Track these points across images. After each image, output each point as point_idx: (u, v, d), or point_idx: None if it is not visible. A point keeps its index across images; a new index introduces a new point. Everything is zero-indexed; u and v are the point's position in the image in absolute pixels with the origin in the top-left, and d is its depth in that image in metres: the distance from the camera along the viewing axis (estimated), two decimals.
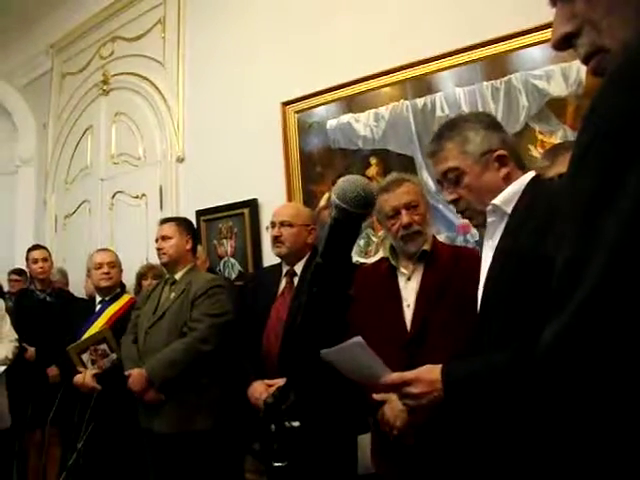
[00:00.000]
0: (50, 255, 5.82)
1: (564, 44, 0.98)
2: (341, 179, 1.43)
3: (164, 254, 4.08)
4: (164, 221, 4.27)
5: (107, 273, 4.62)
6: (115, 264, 4.71)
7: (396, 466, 2.70)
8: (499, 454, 1.72)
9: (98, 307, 4.66)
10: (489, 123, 2.09)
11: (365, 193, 1.39)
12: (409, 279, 2.87)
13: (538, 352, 0.74)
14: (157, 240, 4.13)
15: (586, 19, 0.90)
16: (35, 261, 5.61)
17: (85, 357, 4.29)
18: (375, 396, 2.62)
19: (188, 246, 4.13)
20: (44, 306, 5.42)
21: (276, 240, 3.47)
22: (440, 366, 1.83)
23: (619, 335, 0.66)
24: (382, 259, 3.10)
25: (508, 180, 2.00)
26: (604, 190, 0.70)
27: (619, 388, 0.66)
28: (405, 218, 2.82)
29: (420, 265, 2.87)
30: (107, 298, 4.66)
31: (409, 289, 2.85)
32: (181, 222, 4.23)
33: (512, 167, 2.02)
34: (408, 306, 2.81)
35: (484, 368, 1.69)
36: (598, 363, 0.67)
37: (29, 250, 5.79)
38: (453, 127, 2.10)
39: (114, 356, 4.27)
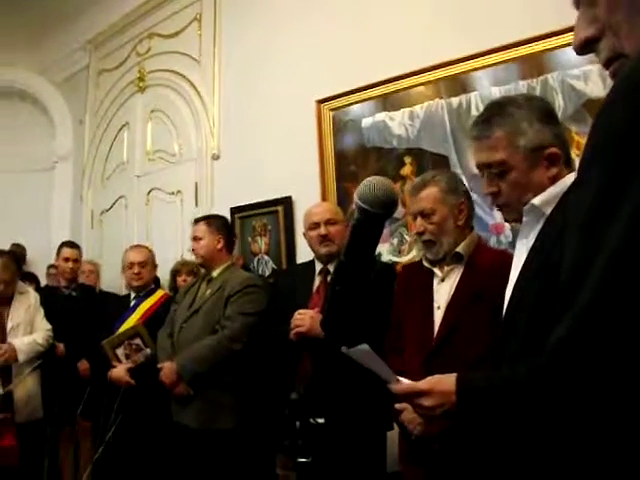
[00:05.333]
0: (81, 254, 5.82)
1: (585, 48, 0.97)
2: (364, 180, 1.42)
3: (197, 254, 4.16)
4: (196, 221, 4.29)
5: (138, 273, 4.66)
6: (146, 263, 4.74)
7: (421, 470, 2.67)
8: (516, 465, 1.66)
9: (133, 302, 4.72)
10: (543, 112, 1.90)
11: (386, 194, 1.39)
12: (443, 280, 2.81)
13: (544, 358, 0.74)
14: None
15: (607, 24, 0.89)
16: (66, 260, 5.59)
17: (120, 352, 4.37)
18: (397, 406, 2.56)
19: (219, 245, 4.11)
20: (70, 301, 5.44)
21: (325, 239, 3.45)
22: (454, 376, 1.70)
23: (620, 339, 0.66)
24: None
25: (555, 181, 1.83)
26: (607, 198, 0.70)
27: (621, 389, 0.66)
28: (416, 226, 2.84)
29: (457, 267, 2.80)
30: (141, 294, 4.73)
31: (441, 291, 2.78)
32: (212, 221, 4.22)
33: (561, 167, 1.85)
34: (438, 308, 2.75)
35: (501, 380, 1.61)
36: (601, 366, 0.67)
37: (62, 245, 5.77)
38: (504, 113, 1.90)
39: (148, 351, 4.33)
